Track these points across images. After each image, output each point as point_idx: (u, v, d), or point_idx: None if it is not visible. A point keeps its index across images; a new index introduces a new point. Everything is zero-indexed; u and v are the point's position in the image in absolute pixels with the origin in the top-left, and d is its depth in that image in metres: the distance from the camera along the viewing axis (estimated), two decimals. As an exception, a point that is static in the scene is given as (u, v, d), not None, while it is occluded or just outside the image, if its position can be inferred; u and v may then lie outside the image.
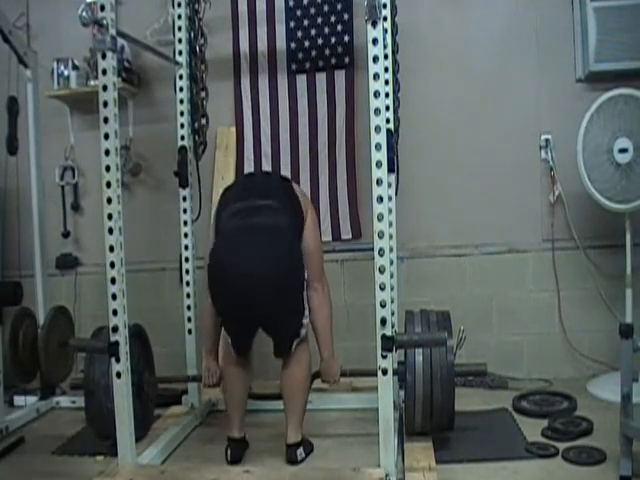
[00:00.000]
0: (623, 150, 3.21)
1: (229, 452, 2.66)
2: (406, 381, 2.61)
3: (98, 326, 2.88)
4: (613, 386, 2.73)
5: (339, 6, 3.75)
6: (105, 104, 2.37)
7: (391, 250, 2.54)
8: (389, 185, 2.66)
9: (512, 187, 3.69)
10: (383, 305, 2.21)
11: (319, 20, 3.78)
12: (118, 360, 2.40)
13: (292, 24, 3.81)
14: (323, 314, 2.68)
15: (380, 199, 2.21)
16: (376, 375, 2.22)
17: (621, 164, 3.20)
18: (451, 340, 2.59)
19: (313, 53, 3.80)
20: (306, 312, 2.65)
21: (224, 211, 2.70)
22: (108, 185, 2.38)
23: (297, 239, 2.63)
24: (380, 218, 2.21)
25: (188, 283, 3.20)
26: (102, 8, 2.36)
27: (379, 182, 2.21)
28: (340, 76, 3.79)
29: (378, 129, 2.20)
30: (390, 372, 2.22)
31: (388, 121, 2.76)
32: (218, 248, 2.62)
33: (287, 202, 2.67)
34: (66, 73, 3.89)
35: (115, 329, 2.39)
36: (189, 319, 3.20)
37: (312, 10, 3.78)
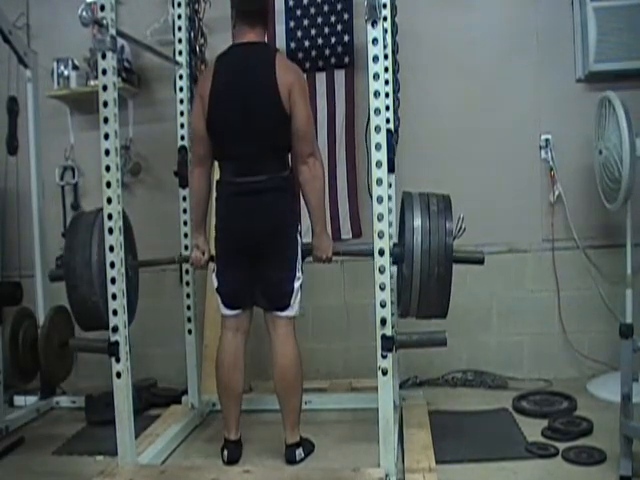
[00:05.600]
0: (600, 152, 3.26)
1: (225, 453, 2.66)
2: (403, 262, 2.53)
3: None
4: (613, 386, 2.72)
5: (339, 6, 3.74)
6: (105, 104, 2.37)
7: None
8: (389, 185, 2.66)
9: (512, 187, 3.69)
10: (383, 305, 2.22)
11: (319, 20, 3.77)
12: (118, 360, 2.40)
13: (292, 24, 3.81)
14: (315, 187, 2.62)
15: (380, 199, 2.21)
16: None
17: (600, 165, 3.27)
18: (451, 223, 2.53)
19: (313, 53, 3.79)
20: (298, 274, 2.61)
21: (214, 111, 2.60)
22: (108, 185, 2.38)
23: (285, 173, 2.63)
24: (380, 218, 2.22)
25: (188, 283, 3.19)
26: (102, 8, 2.36)
27: (379, 182, 2.21)
28: (340, 76, 3.79)
29: (378, 129, 2.21)
30: (390, 372, 2.22)
31: (388, 121, 2.77)
32: (224, 213, 2.66)
33: (271, 107, 2.54)
34: (66, 73, 3.89)
35: (115, 329, 2.39)
36: (189, 319, 3.19)
37: (312, 10, 3.78)
